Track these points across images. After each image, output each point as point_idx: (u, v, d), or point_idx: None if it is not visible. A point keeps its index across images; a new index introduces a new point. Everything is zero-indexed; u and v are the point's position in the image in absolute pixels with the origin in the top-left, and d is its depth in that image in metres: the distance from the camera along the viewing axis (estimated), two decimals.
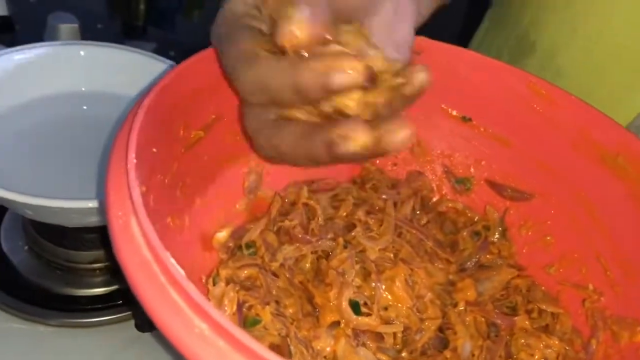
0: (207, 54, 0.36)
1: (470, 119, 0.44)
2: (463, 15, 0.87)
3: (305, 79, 0.28)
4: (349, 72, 0.27)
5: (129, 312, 0.46)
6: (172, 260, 0.24)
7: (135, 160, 0.27)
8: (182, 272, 0.23)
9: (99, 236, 0.49)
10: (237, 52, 0.30)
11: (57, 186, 0.47)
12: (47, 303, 0.46)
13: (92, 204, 0.41)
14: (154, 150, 0.32)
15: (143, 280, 0.24)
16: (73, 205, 0.41)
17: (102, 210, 0.28)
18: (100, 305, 0.47)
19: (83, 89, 0.57)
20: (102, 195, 0.28)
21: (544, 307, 0.39)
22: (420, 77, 0.29)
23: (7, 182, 0.42)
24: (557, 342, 0.37)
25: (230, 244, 0.40)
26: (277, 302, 0.36)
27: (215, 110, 0.38)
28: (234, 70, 0.31)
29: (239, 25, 0.31)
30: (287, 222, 0.41)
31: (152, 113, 0.31)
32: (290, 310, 0.36)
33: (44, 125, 0.53)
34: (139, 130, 0.29)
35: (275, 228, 0.41)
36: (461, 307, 0.38)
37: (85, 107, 0.56)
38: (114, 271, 0.49)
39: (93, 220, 0.44)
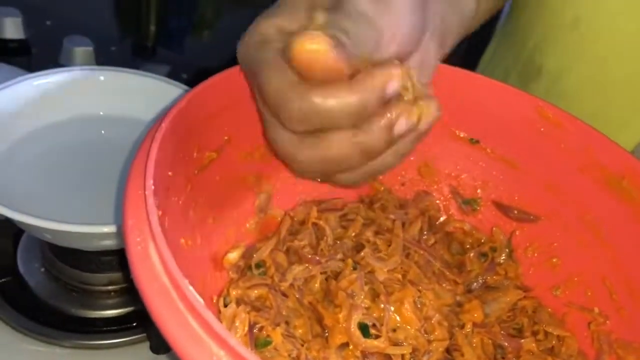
0: (220, 77, 0.37)
1: (477, 141, 0.45)
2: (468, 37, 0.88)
3: (370, 139, 0.30)
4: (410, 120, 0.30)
5: (144, 334, 0.47)
6: (191, 288, 0.24)
7: (153, 187, 0.28)
8: (200, 300, 0.24)
9: (116, 258, 0.49)
10: (280, 80, 0.29)
11: (75, 210, 0.48)
12: (62, 325, 0.46)
13: (110, 228, 0.42)
14: (170, 173, 0.32)
15: (161, 307, 0.25)
16: (91, 230, 0.42)
17: (121, 234, 0.29)
18: (115, 327, 0.47)
19: (101, 113, 0.58)
20: (120, 220, 0.28)
21: (550, 329, 0.40)
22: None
23: (25, 206, 0.42)
24: None
25: (241, 264, 0.40)
26: (287, 323, 0.37)
27: (227, 132, 0.38)
28: (279, 98, 0.30)
29: (272, 50, 0.30)
30: (296, 242, 0.41)
31: (168, 138, 0.32)
32: (300, 331, 0.37)
33: (63, 150, 0.54)
34: (156, 156, 0.29)
35: (284, 248, 0.41)
36: (468, 329, 0.39)
37: (103, 132, 0.57)
38: (130, 292, 0.49)
39: (110, 244, 0.44)
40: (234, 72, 0.37)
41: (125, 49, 0.87)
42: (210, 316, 0.23)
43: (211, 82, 0.36)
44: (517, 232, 0.45)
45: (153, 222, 0.26)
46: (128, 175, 0.30)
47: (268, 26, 0.32)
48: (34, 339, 0.46)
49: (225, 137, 0.38)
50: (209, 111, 0.36)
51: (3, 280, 0.49)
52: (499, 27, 0.63)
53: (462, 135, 0.45)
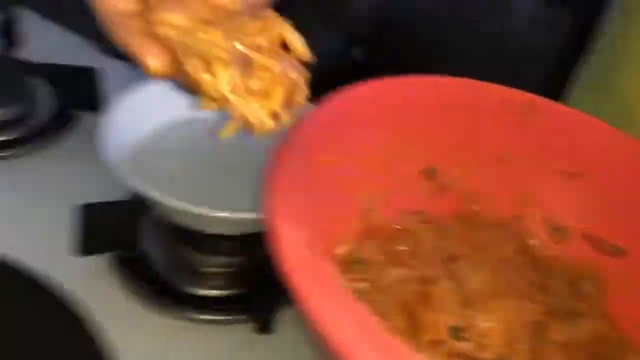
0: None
1: (576, 175, 0.47)
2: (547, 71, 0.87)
3: None
4: None
5: (248, 315, 0.51)
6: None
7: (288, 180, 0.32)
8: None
9: (235, 243, 0.54)
10: None
11: (206, 195, 0.51)
12: (177, 300, 0.51)
13: (253, 215, 0.46)
14: (297, 170, 0.37)
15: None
16: (237, 216, 0.47)
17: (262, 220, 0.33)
18: (223, 306, 0.52)
19: None
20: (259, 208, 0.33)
21: None
22: None
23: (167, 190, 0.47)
24: None
25: (343, 260, 0.45)
26: (382, 317, 0.41)
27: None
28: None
29: None
30: (395, 247, 0.45)
31: (299, 138, 0.36)
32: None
33: (200, 142, 0.58)
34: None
35: (384, 251, 0.45)
36: (551, 349, 0.41)
37: None
38: (240, 276, 0.54)
39: (246, 228, 0.50)
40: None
41: None
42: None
43: (346, 94, 0.40)
44: (608, 266, 0.46)
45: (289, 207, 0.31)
46: (270, 163, 0.35)
47: None
48: (155, 312, 0.50)
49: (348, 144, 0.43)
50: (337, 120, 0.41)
51: (128, 255, 0.53)
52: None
53: (562, 169, 0.47)
